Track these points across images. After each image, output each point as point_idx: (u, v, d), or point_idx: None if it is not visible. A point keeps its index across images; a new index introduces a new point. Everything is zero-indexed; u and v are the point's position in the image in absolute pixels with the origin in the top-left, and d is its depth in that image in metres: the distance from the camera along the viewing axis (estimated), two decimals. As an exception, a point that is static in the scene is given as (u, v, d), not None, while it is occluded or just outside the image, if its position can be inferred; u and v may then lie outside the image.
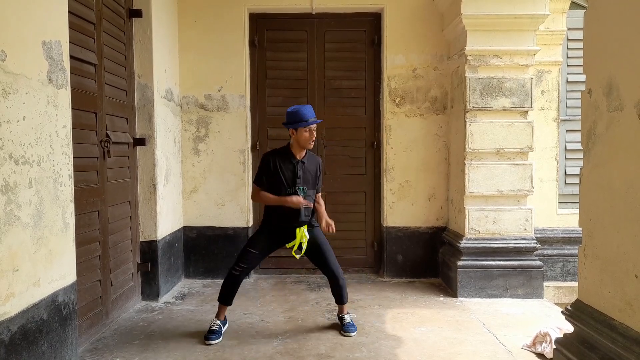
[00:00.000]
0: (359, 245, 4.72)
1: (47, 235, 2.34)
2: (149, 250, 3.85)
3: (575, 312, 2.13)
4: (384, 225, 4.54)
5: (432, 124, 4.49)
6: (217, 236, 4.49)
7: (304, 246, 3.15)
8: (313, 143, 3.13)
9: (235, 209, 4.50)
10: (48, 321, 2.33)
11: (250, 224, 4.52)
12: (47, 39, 2.35)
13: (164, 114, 4.02)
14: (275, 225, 3.19)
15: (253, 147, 4.58)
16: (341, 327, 3.21)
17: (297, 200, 3.06)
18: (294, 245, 3.15)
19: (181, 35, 4.41)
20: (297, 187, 3.13)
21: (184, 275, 4.51)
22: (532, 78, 4.01)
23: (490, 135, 3.99)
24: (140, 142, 3.75)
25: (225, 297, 3.19)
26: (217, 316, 3.19)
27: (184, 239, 4.49)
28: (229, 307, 3.24)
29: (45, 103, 2.34)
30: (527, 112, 4.03)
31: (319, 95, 4.60)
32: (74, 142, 2.70)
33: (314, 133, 3.11)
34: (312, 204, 3.22)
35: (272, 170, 3.14)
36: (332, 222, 3.18)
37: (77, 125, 2.80)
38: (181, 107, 4.45)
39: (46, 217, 2.34)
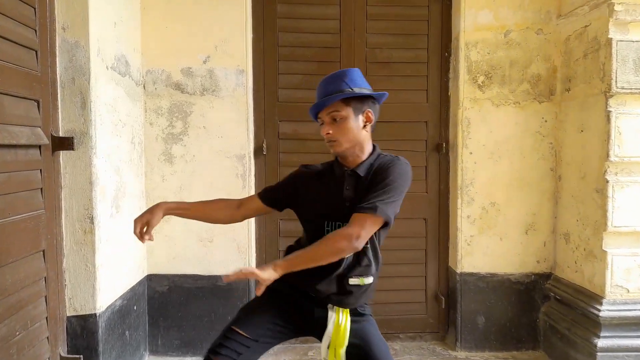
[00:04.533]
0: (416, 298, 3.14)
1: None
2: (83, 330, 2.22)
3: None
4: (458, 271, 2.98)
5: (532, 116, 2.94)
6: (200, 290, 2.87)
7: (340, 353, 1.59)
8: (332, 146, 1.61)
9: (230, 246, 2.88)
10: None
11: (254, 270, 2.92)
12: None
13: (112, 96, 2.38)
14: (286, 287, 1.65)
15: (257, 151, 2.97)
16: None
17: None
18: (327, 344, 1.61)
19: (144, -27, 2.78)
20: (337, 223, 1.59)
21: (149, 351, 2.89)
22: None
23: (649, 135, 2.47)
24: (64, 144, 2.11)
25: None
26: None
27: (149, 295, 2.86)
28: None
29: None
30: None
31: (357, 72, 3.01)
32: None
33: (325, 128, 1.60)
34: (372, 262, 1.63)
35: (293, 191, 1.71)
36: (249, 271, 1.45)
37: None
38: (144, 87, 2.81)
39: None
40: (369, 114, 1.62)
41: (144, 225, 1.67)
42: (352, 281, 1.61)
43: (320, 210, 1.61)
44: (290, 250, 1.73)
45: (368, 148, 1.65)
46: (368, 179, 1.59)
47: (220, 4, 2.81)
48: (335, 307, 1.63)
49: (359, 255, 1.61)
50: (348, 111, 1.58)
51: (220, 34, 2.82)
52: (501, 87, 2.92)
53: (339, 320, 1.61)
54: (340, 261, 1.58)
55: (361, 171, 1.61)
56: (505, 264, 2.98)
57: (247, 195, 2.83)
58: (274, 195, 1.75)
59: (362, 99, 1.61)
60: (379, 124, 3.01)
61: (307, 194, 1.66)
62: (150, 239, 1.69)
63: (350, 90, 1.58)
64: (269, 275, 1.44)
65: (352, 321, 1.64)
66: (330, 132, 1.58)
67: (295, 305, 1.66)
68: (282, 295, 1.67)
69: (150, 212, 1.69)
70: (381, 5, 3.01)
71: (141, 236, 1.68)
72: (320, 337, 1.65)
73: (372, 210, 1.49)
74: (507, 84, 2.92)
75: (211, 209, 1.77)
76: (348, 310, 1.64)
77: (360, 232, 1.47)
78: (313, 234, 1.62)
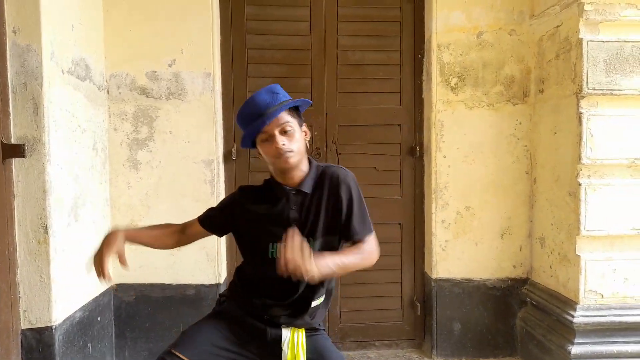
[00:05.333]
0: (391, 305, 3.08)
1: None
2: (38, 343, 2.14)
3: None
4: (433, 276, 2.92)
5: (506, 118, 2.89)
6: (168, 299, 2.80)
7: None
8: (289, 158, 1.50)
9: (198, 255, 2.81)
10: None
11: (223, 279, 2.85)
12: None
13: (70, 102, 2.31)
14: (237, 310, 1.62)
15: (227, 156, 2.90)
16: None
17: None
18: None
19: (106, -25, 2.71)
20: (274, 243, 1.55)
21: (116, 363, 2.81)
22: (686, 42, 2.44)
23: (621, 137, 2.42)
24: (15, 151, 2.04)
25: None
26: None
27: (115, 306, 2.79)
28: None
29: None
30: (677, 99, 2.47)
31: (328, 74, 2.96)
32: None
33: (279, 139, 1.48)
34: (333, 280, 1.68)
35: (230, 217, 1.64)
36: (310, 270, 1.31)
37: None
38: (108, 91, 2.74)
39: None
40: (306, 128, 1.60)
41: (107, 261, 1.48)
42: (314, 303, 1.59)
43: (264, 233, 1.54)
44: (239, 272, 1.68)
45: (306, 162, 1.60)
46: (321, 196, 1.56)
47: (187, 5, 2.74)
48: (290, 327, 1.60)
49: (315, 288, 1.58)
50: (295, 122, 1.53)
51: (187, 36, 2.75)
52: (474, 89, 2.87)
53: (294, 341, 1.57)
54: (297, 284, 1.52)
55: (306, 188, 1.56)
56: (481, 269, 2.92)
57: (214, 200, 2.77)
58: (214, 221, 1.68)
59: (297, 112, 1.57)
60: (353, 128, 3.00)
61: (247, 217, 1.59)
62: (125, 265, 1.50)
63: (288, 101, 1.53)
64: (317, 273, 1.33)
65: (306, 336, 1.60)
66: (286, 143, 1.48)
67: (245, 326, 1.60)
68: (230, 316, 1.61)
69: (111, 243, 1.49)
70: (352, 7, 2.96)
71: (105, 274, 1.47)
72: (272, 358, 1.60)
73: (370, 233, 1.58)
74: (480, 86, 2.87)
75: (160, 234, 1.67)
76: (303, 329, 1.61)
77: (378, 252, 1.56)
78: (257, 257, 1.57)
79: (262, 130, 1.49)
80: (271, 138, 1.49)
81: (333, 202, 1.56)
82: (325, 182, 1.57)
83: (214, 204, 2.76)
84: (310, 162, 1.61)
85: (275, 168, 1.56)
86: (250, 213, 1.58)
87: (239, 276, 1.67)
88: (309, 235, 1.53)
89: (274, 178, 1.61)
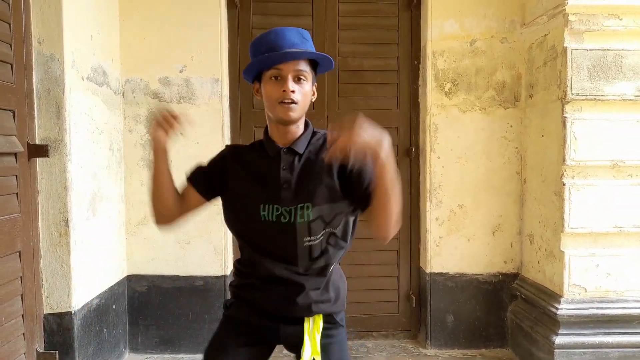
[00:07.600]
0: (388, 298, 3.25)
1: None
2: (59, 327, 2.35)
3: None
4: (427, 271, 3.08)
5: (497, 122, 3.04)
6: (178, 289, 2.99)
7: None
8: (291, 109, 1.34)
9: (206, 248, 3.00)
10: None
11: (229, 271, 3.03)
12: None
13: (89, 106, 2.51)
14: (243, 311, 1.48)
15: (233, 157, 3.09)
16: None
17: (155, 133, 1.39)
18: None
19: (122, -13, 2.91)
20: (275, 206, 1.36)
21: (130, 349, 3.00)
22: (666, 50, 2.58)
23: (604, 140, 2.56)
24: (40, 151, 2.24)
25: None
26: None
27: (129, 295, 2.98)
28: None
29: None
30: (658, 104, 2.61)
31: (329, 80, 3.12)
32: None
33: (290, 84, 1.32)
34: (330, 259, 1.42)
35: (221, 174, 1.46)
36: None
37: None
38: (123, 95, 2.94)
39: None
40: (315, 88, 1.44)
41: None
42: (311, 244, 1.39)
43: (255, 193, 1.38)
44: (239, 263, 1.52)
45: (303, 123, 1.45)
46: (318, 160, 1.39)
47: (197, 15, 2.94)
48: (306, 318, 1.41)
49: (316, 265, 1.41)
50: (310, 76, 1.38)
51: (197, 44, 2.95)
52: (467, 93, 3.02)
53: (311, 335, 1.40)
54: (295, 239, 1.37)
55: (299, 148, 1.41)
56: (473, 264, 3.07)
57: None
58: (202, 178, 1.48)
59: (315, 70, 1.42)
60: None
61: (237, 175, 1.43)
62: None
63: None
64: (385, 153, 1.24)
65: (322, 335, 1.41)
66: (295, 91, 1.33)
67: (259, 328, 1.45)
68: (242, 322, 1.47)
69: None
70: (353, 16, 3.12)
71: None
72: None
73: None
74: (473, 91, 3.02)
75: (174, 186, 1.47)
76: (321, 316, 1.42)
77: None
78: (247, 222, 1.41)
79: (277, 67, 1.32)
80: (282, 79, 1.33)
81: (339, 167, 1.37)
82: (326, 147, 1.40)
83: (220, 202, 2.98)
84: (307, 124, 1.46)
85: (271, 116, 1.39)
86: (239, 171, 1.43)
87: (237, 264, 1.53)
88: (305, 199, 1.35)
89: (266, 134, 1.45)
